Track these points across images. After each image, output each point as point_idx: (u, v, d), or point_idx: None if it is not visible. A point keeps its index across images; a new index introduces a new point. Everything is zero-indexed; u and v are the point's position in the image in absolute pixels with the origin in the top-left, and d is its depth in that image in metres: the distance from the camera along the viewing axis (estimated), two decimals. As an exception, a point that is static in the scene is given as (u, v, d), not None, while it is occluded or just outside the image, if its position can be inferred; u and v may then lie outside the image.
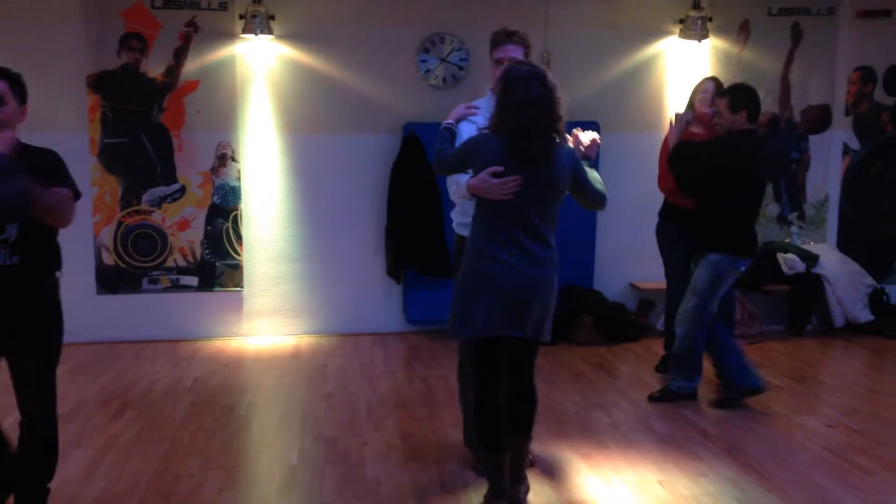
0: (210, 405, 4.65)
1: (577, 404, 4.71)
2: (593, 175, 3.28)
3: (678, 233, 4.90)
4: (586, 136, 3.38)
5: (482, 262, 3.12)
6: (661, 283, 6.38)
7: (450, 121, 3.48)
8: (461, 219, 3.59)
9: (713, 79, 4.99)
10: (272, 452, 4.02)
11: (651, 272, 6.43)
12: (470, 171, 3.18)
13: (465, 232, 3.45)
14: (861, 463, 3.85)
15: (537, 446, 4.02)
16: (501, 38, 3.51)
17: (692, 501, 3.49)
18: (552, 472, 3.76)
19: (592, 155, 3.38)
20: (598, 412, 4.57)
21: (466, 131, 3.46)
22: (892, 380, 5.18)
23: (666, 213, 5.11)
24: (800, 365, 5.50)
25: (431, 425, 4.33)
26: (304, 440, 4.16)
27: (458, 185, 3.34)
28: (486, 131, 3.23)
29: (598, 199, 3.28)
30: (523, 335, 3.15)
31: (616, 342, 6.06)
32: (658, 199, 6.43)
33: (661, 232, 5.15)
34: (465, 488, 3.58)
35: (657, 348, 5.88)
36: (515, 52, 3.46)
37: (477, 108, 3.50)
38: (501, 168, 3.03)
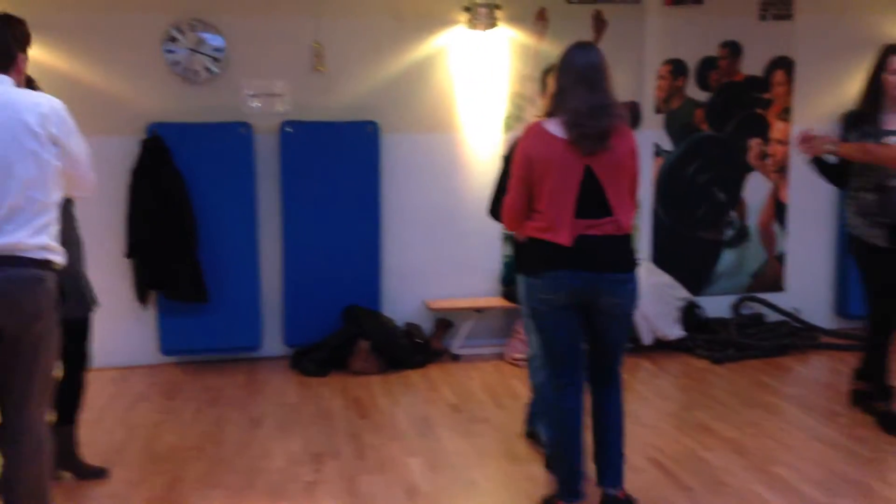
0: None
1: (290, 456, 3.98)
2: None
3: None
4: None
5: None
6: (460, 302, 5.76)
7: None
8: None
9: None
10: None
11: (447, 289, 5.78)
12: None
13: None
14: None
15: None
16: None
17: None
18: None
19: None
20: (307, 466, 3.84)
21: None
22: (667, 411, 4.57)
23: None
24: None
25: (88, 494, 3.54)
26: None
27: None
28: None
29: None
30: None
31: (396, 370, 5.36)
32: (449, 205, 5.81)
33: None
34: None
35: (442, 375, 5.23)
36: None
37: None
38: None
